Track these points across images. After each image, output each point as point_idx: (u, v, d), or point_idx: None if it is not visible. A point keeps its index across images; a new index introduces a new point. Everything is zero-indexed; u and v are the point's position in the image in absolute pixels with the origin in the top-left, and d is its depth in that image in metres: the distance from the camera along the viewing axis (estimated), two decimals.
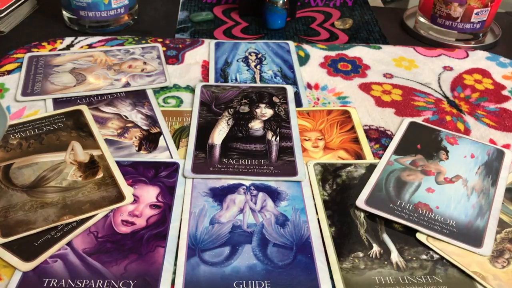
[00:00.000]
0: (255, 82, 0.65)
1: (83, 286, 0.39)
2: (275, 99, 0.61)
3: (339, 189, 0.49)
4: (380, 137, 0.57)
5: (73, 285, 0.39)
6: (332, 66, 0.69)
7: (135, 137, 0.55)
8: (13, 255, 0.41)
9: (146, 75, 0.65)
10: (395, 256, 0.43)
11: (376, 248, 0.44)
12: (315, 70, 0.68)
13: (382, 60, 0.71)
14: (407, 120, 0.59)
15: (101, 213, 0.45)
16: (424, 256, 0.43)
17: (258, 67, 0.68)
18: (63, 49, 0.71)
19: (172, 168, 0.51)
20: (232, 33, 0.79)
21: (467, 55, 0.73)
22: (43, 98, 0.60)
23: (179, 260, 0.42)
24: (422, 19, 0.79)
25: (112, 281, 0.40)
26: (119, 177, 0.49)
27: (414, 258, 0.43)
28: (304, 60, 0.70)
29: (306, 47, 0.73)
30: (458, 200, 0.48)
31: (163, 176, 0.50)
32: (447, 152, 0.54)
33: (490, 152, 0.54)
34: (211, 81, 0.65)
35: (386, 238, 0.45)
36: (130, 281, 0.40)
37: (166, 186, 0.49)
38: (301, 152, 0.53)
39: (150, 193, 0.48)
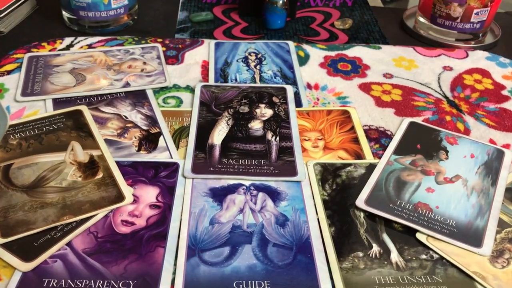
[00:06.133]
0: (255, 82, 0.65)
1: (83, 286, 0.39)
2: (275, 99, 0.61)
3: (339, 189, 0.49)
4: (380, 137, 0.57)
5: (73, 285, 0.39)
6: (332, 66, 0.69)
7: (135, 137, 0.55)
8: (13, 255, 0.41)
9: (146, 75, 0.65)
10: (394, 256, 0.43)
11: (376, 248, 0.44)
12: (315, 70, 0.68)
13: (382, 60, 0.71)
14: (407, 120, 0.59)
15: (101, 213, 0.45)
16: (423, 256, 0.43)
17: (258, 67, 0.68)
18: (63, 49, 0.71)
19: (172, 168, 0.51)
20: (232, 33, 0.79)
21: (467, 55, 0.73)
22: (43, 98, 0.60)
23: (179, 260, 0.42)
24: (421, 19, 0.79)
25: (112, 281, 0.40)
26: (119, 177, 0.49)
27: (414, 258, 0.43)
28: (304, 60, 0.70)
29: (306, 47, 0.73)
30: (458, 200, 0.48)
31: (163, 176, 0.50)
32: (447, 152, 0.54)
33: (490, 152, 0.54)
34: (211, 81, 0.65)
35: (386, 238, 0.45)
36: (130, 281, 0.40)
37: (166, 186, 0.49)
38: (301, 152, 0.53)
39: (150, 193, 0.48)
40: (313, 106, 0.61)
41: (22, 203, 0.46)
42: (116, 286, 0.39)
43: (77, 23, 0.76)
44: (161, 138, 0.55)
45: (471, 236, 0.45)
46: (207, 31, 0.79)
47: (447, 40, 0.77)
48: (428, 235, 0.45)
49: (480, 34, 0.77)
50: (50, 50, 0.70)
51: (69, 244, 0.43)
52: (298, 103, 0.61)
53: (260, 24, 0.82)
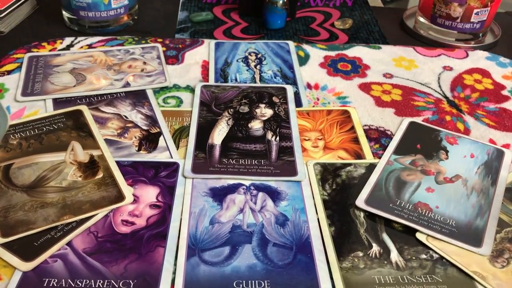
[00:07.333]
0: (255, 82, 0.65)
1: (83, 286, 0.39)
2: (275, 99, 0.61)
3: (339, 188, 0.49)
4: (380, 137, 0.57)
5: (73, 285, 0.39)
6: (332, 66, 0.69)
7: (135, 137, 0.55)
8: (13, 255, 0.41)
9: (146, 75, 0.65)
10: (394, 255, 0.43)
11: (375, 248, 0.44)
12: (315, 70, 0.68)
13: (382, 60, 0.71)
14: (407, 120, 0.59)
15: (101, 213, 0.45)
16: (423, 256, 0.43)
17: (258, 67, 0.68)
18: (63, 49, 0.71)
19: (172, 168, 0.51)
20: (232, 33, 0.79)
21: (467, 55, 0.73)
22: (43, 98, 0.60)
23: (179, 260, 0.42)
24: (422, 19, 0.79)
25: (112, 281, 0.40)
26: (119, 177, 0.49)
27: (414, 258, 0.43)
28: (304, 60, 0.70)
29: (306, 47, 0.73)
30: (458, 200, 0.48)
31: (163, 176, 0.50)
32: (446, 152, 0.54)
33: (489, 152, 0.54)
34: (211, 81, 0.65)
35: (385, 237, 0.45)
36: (130, 281, 0.40)
37: (166, 186, 0.49)
38: (301, 152, 0.53)
39: (150, 193, 0.48)
40: (313, 106, 0.61)
41: (22, 203, 0.46)
42: (116, 286, 0.40)
43: (77, 23, 0.76)
44: (161, 138, 0.55)
45: (471, 235, 0.45)
46: (207, 31, 0.79)
47: (447, 40, 0.77)
48: (428, 235, 0.45)
49: (480, 34, 0.77)
50: (50, 50, 0.70)
51: (69, 243, 0.43)
52: (298, 103, 0.61)
53: (260, 24, 0.82)
